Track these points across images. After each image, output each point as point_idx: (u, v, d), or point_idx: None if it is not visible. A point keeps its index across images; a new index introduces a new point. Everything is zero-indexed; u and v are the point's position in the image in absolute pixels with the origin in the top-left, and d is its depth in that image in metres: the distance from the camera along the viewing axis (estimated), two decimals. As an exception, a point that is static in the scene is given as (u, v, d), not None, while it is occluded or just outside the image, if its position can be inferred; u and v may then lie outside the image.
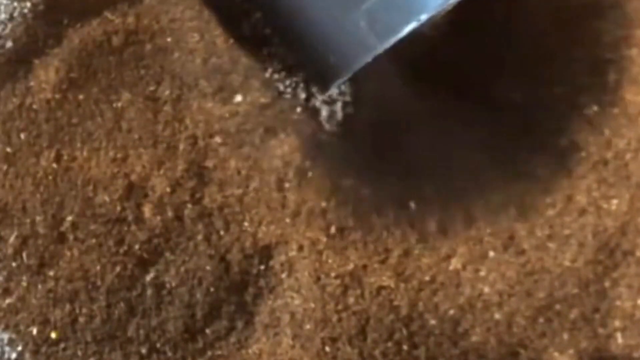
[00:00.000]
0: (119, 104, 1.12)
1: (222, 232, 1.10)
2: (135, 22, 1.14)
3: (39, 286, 1.11)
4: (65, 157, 1.12)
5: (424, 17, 1.12)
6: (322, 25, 1.13)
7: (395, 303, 1.11)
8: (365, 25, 1.10)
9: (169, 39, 1.14)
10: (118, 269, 1.11)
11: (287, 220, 1.11)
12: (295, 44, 1.16)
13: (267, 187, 1.11)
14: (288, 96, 1.18)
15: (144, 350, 1.09)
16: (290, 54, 1.19)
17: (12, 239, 1.12)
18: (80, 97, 1.13)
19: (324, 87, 1.19)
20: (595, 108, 1.14)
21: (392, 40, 1.12)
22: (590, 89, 1.15)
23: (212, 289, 1.10)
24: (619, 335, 1.08)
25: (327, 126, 1.19)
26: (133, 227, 1.11)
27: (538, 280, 1.10)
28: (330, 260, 1.11)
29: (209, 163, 1.11)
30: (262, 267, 1.10)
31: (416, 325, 1.10)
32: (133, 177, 1.12)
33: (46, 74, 1.13)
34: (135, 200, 1.11)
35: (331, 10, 1.12)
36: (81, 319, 1.11)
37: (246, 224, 1.10)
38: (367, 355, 1.10)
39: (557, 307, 1.09)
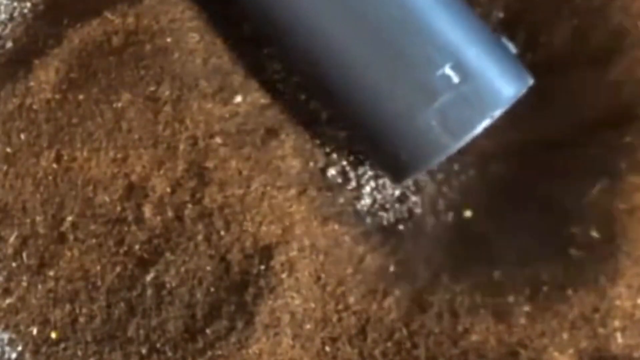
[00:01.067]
0: (119, 104, 1.12)
1: (222, 232, 1.10)
2: (135, 22, 1.14)
3: (39, 286, 1.11)
4: (65, 157, 1.12)
5: (497, 112, 1.08)
6: (393, 123, 1.08)
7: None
8: (438, 124, 1.06)
9: (169, 39, 1.14)
10: (118, 269, 1.11)
11: (288, 220, 1.11)
12: (366, 140, 1.13)
13: (269, 187, 1.12)
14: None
15: (144, 350, 1.09)
16: (361, 146, 1.17)
17: (12, 239, 1.11)
18: (80, 97, 1.13)
19: (395, 181, 1.16)
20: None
21: (466, 138, 1.07)
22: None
23: (212, 289, 1.10)
24: (619, 335, 1.08)
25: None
26: (133, 227, 1.11)
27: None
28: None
29: (210, 163, 1.11)
30: (263, 267, 1.10)
31: (416, 325, 1.10)
32: (133, 177, 1.12)
33: (46, 74, 1.13)
34: (136, 200, 1.11)
35: (402, 109, 1.07)
36: (81, 319, 1.11)
37: (247, 223, 1.10)
38: (367, 355, 1.10)
39: (557, 306, 1.09)
